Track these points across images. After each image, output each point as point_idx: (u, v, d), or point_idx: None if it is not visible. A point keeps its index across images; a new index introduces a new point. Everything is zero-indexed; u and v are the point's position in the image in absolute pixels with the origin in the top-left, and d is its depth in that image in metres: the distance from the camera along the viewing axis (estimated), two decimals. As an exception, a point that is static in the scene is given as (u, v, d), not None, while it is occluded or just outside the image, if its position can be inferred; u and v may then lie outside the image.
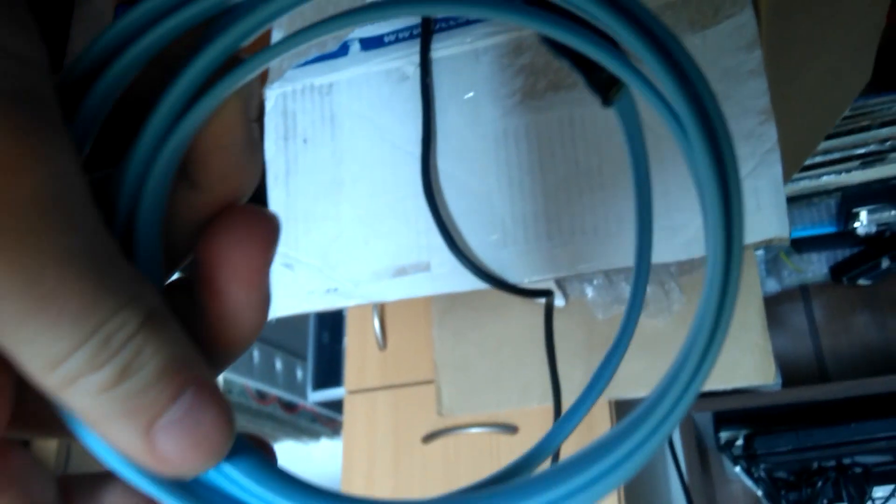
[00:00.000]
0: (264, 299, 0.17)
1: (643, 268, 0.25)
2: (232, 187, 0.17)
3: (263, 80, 0.49)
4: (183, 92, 0.16)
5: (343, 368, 1.18)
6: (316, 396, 1.38)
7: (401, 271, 0.45)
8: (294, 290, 0.47)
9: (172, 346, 0.14)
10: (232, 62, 0.16)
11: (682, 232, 0.38)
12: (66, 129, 0.13)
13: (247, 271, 0.16)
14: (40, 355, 0.12)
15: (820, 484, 0.86)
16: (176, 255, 0.18)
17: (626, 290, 0.63)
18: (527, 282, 0.43)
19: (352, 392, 1.02)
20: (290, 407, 1.58)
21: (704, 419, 0.95)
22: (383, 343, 0.99)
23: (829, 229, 0.95)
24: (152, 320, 0.14)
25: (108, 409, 0.13)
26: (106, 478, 0.16)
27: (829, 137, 0.81)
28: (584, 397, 0.24)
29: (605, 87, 0.20)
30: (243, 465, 0.16)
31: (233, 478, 0.16)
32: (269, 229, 0.16)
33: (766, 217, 0.37)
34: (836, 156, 0.82)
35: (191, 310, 0.16)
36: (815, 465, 0.88)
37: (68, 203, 0.12)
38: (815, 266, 1.08)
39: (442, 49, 0.45)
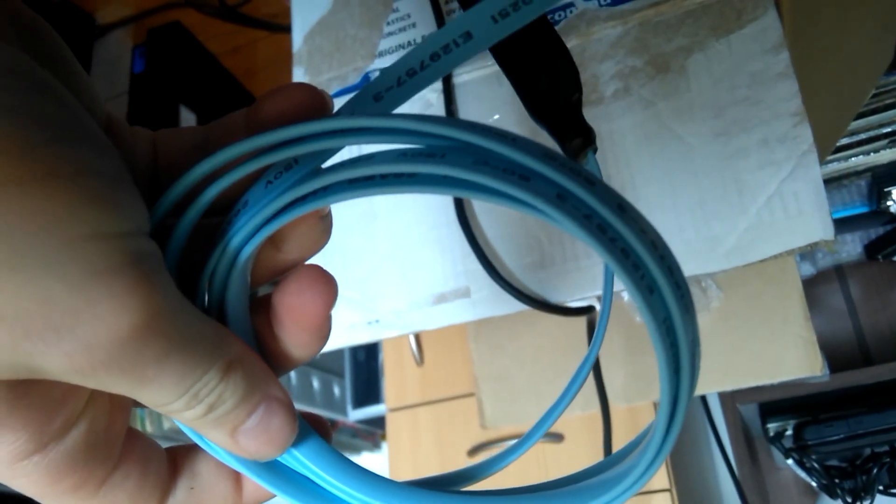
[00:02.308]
0: (322, 337, 0.22)
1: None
2: (308, 252, 0.22)
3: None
4: (279, 206, 0.19)
5: (381, 385, 1.19)
6: (357, 415, 1.38)
7: (441, 298, 0.45)
8: (336, 324, 0.47)
9: (247, 381, 0.19)
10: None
11: (723, 242, 0.38)
12: (163, 269, 0.17)
13: (310, 319, 0.21)
14: (149, 402, 0.17)
15: (875, 470, 0.85)
16: (253, 286, 0.23)
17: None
18: (568, 301, 0.43)
19: (393, 410, 1.02)
20: (330, 424, 1.58)
21: (750, 411, 0.94)
22: (420, 359, 0.99)
23: (861, 209, 0.94)
24: (230, 371, 0.18)
25: (202, 425, 0.19)
26: (201, 450, 0.22)
27: (854, 118, 0.79)
28: (540, 423, 0.26)
29: (575, 152, 0.25)
30: (305, 450, 0.22)
31: (298, 458, 0.22)
32: (329, 289, 0.21)
33: (808, 220, 0.36)
34: (863, 136, 0.81)
35: (261, 325, 0.22)
36: (868, 451, 0.87)
37: (168, 324, 0.16)
38: (850, 246, 1.07)
39: (464, 74, 0.45)
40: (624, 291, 0.64)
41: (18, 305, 0.15)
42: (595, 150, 0.29)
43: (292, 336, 0.21)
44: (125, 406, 0.20)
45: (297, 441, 0.21)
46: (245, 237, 0.20)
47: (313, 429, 0.22)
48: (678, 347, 0.17)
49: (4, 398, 0.16)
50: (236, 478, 0.22)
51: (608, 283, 0.29)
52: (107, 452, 0.19)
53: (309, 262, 0.22)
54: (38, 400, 0.17)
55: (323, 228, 0.22)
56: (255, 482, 0.22)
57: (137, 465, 0.20)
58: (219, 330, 0.19)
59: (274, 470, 0.21)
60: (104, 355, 0.16)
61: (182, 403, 0.18)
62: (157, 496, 0.20)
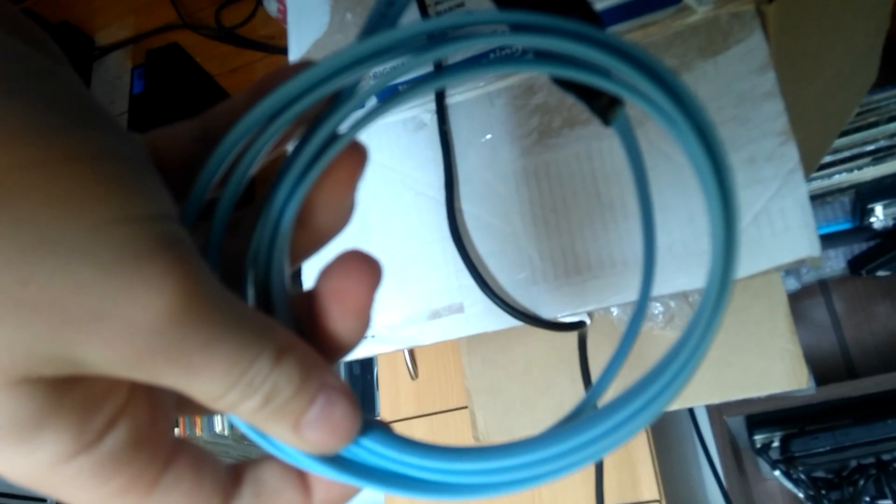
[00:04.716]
0: (366, 323, 0.21)
1: (650, 267, 0.26)
2: (334, 228, 0.22)
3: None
4: (302, 166, 0.20)
5: (376, 398, 1.19)
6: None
7: (435, 314, 0.45)
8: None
9: (301, 368, 0.18)
10: (331, 138, 0.21)
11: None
12: (196, 254, 0.17)
13: (356, 301, 0.20)
14: (203, 396, 0.17)
15: (861, 482, 0.86)
16: None
17: (651, 306, 0.63)
18: (559, 317, 0.44)
19: (388, 422, 1.02)
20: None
21: (737, 423, 0.95)
22: (415, 373, 1.00)
23: (844, 225, 0.95)
24: (281, 357, 0.18)
25: (262, 418, 0.18)
26: (264, 460, 0.21)
27: (838, 136, 0.81)
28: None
29: (604, 110, 0.23)
30: (373, 437, 0.20)
31: (368, 447, 0.20)
32: (375, 270, 0.20)
33: (795, 238, 0.37)
34: (847, 154, 0.82)
35: (302, 320, 0.21)
36: (855, 463, 0.88)
37: (209, 308, 0.16)
38: (833, 261, 1.08)
39: (456, 95, 0.46)
40: (613, 307, 0.65)
41: (52, 294, 0.14)
42: (623, 105, 0.28)
43: (338, 323, 0.21)
44: (166, 405, 0.20)
45: (362, 432, 0.20)
46: (287, 193, 0.20)
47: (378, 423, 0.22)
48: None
49: (48, 396, 0.16)
50: (304, 482, 0.21)
51: (642, 303, 0.27)
52: (153, 452, 0.18)
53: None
54: (80, 398, 0.17)
55: (350, 203, 0.22)
56: (325, 485, 0.21)
57: (189, 468, 0.19)
58: (264, 318, 0.18)
59: (348, 465, 0.21)
60: (146, 342, 0.15)
61: (237, 395, 0.17)
62: (217, 502, 0.20)
